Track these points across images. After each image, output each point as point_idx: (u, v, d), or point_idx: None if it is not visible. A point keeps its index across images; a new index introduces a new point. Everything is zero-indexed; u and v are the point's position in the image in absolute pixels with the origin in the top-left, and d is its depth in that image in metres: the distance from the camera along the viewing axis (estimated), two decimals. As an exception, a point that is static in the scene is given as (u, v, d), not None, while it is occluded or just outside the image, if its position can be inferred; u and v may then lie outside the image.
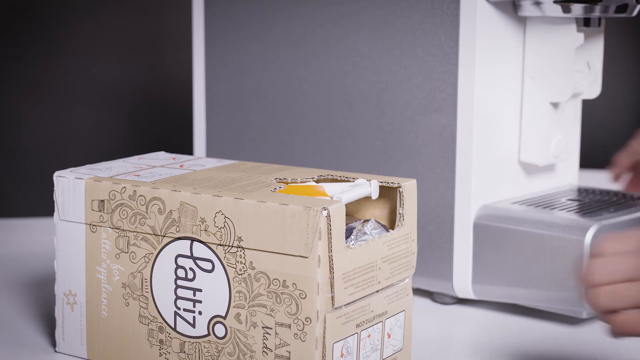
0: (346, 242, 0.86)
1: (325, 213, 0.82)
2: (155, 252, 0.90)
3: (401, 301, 0.91)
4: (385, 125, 1.15)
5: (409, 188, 0.92)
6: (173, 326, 0.90)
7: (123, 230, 0.91)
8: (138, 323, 0.92)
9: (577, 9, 1.06)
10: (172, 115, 2.26)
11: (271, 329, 0.85)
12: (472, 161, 1.09)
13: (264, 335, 0.85)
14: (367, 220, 0.91)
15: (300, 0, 1.21)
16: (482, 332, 1.07)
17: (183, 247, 0.88)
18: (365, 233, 0.89)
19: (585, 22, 1.09)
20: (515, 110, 1.13)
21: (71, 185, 0.94)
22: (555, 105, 1.13)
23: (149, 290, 0.91)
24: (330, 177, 0.94)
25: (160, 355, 0.91)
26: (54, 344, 0.99)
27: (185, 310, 0.89)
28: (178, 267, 0.89)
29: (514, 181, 1.15)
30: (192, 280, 0.88)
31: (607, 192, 1.20)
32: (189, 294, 0.89)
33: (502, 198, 1.13)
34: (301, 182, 0.92)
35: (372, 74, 1.16)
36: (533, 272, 1.06)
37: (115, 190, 0.91)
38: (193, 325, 0.89)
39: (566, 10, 1.06)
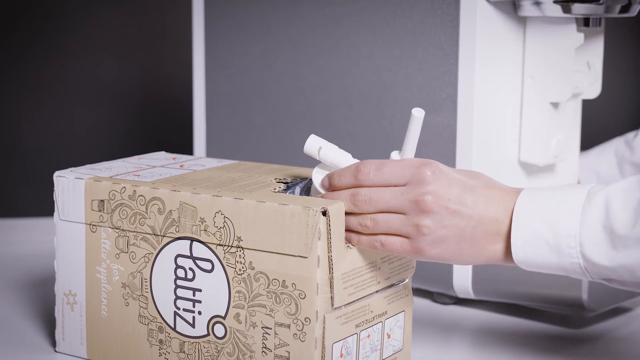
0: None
1: (324, 213, 0.82)
2: (155, 252, 0.90)
3: (401, 301, 0.91)
4: (385, 125, 1.15)
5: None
6: (173, 326, 0.90)
7: (123, 230, 0.91)
8: (138, 323, 0.92)
9: (577, 9, 1.06)
10: (172, 115, 2.26)
11: (270, 329, 0.85)
12: (472, 161, 1.09)
13: (263, 336, 0.85)
14: None
15: (300, 0, 1.21)
16: (482, 332, 1.07)
17: (183, 247, 0.88)
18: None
19: (585, 22, 1.09)
20: (515, 110, 1.13)
21: (71, 185, 0.94)
22: (555, 105, 1.13)
23: (149, 290, 0.91)
24: None
25: (160, 355, 0.91)
26: (54, 344, 0.99)
27: (184, 310, 0.89)
28: (178, 267, 0.89)
29: (514, 181, 1.15)
30: (191, 280, 0.88)
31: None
32: (188, 294, 0.89)
33: (502, 198, 1.13)
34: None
35: (372, 74, 1.15)
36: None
37: (115, 190, 0.91)
38: (193, 325, 0.89)
39: (566, 10, 1.06)
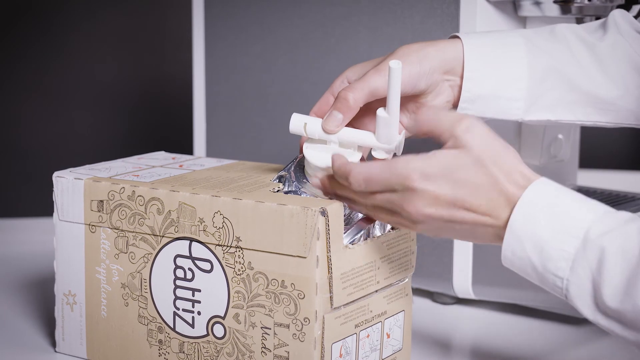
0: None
1: (323, 213, 0.82)
2: (154, 253, 0.90)
3: (400, 301, 0.91)
4: (385, 125, 1.15)
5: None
6: (172, 326, 0.90)
7: (122, 230, 0.91)
8: (137, 323, 0.92)
9: (577, 9, 1.06)
10: (172, 115, 2.26)
11: (270, 329, 0.84)
12: (471, 161, 1.08)
13: (262, 336, 0.85)
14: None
15: (300, 0, 1.21)
16: (482, 332, 1.07)
17: (182, 247, 0.88)
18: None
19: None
20: (515, 110, 1.13)
21: (70, 186, 0.94)
22: (555, 105, 1.13)
23: (148, 290, 0.91)
24: None
25: (160, 355, 0.91)
26: (54, 344, 0.99)
27: (184, 310, 0.89)
28: (177, 267, 0.89)
29: (513, 181, 1.14)
30: (191, 280, 0.88)
31: (607, 192, 1.20)
32: (187, 294, 0.89)
33: (501, 198, 1.13)
34: None
35: (371, 74, 1.15)
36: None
37: (114, 190, 0.91)
38: (192, 326, 0.89)
39: (565, 10, 1.06)
